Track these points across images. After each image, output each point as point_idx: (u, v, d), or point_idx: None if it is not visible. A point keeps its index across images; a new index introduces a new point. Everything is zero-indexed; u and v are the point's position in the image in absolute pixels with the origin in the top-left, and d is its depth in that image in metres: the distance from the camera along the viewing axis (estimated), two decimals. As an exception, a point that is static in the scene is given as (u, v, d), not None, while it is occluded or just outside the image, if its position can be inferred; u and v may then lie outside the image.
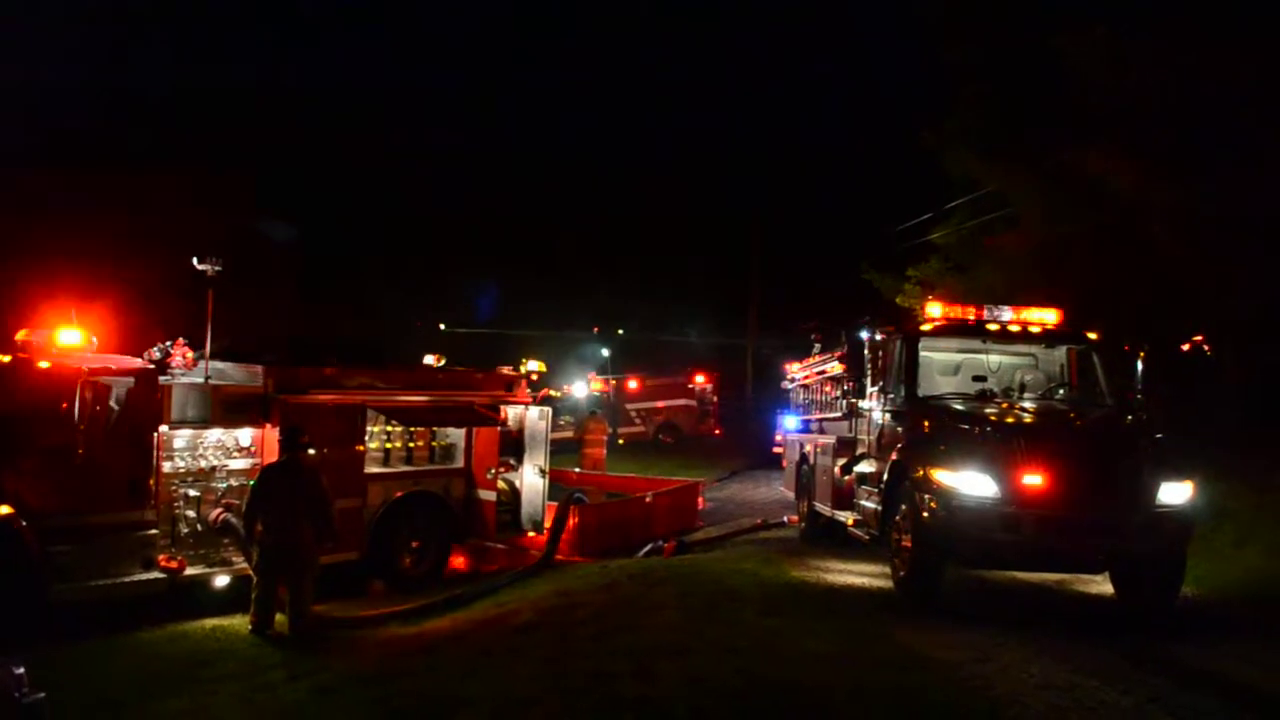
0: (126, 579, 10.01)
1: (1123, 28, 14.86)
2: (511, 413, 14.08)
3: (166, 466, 10.49)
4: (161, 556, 10.25)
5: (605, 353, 38.46)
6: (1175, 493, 9.22)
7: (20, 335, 10.41)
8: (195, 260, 11.19)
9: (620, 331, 44.26)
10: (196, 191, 30.29)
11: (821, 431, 15.23)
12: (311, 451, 10.42)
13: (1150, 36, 14.53)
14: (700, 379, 35.18)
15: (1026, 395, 10.84)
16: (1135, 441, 9.84)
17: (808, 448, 15.73)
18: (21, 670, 5.43)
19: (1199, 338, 14.42)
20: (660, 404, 34.47)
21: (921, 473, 9.61)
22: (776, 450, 28.63)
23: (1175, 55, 14.30)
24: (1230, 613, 10.05)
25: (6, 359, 10.19)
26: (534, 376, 14.65)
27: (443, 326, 40.98)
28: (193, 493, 10.67)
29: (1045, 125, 17.32)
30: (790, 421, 27.67)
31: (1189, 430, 12.09)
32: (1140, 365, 10.76)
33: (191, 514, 10.63)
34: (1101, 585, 10.61)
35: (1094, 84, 15.82)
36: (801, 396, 17.44)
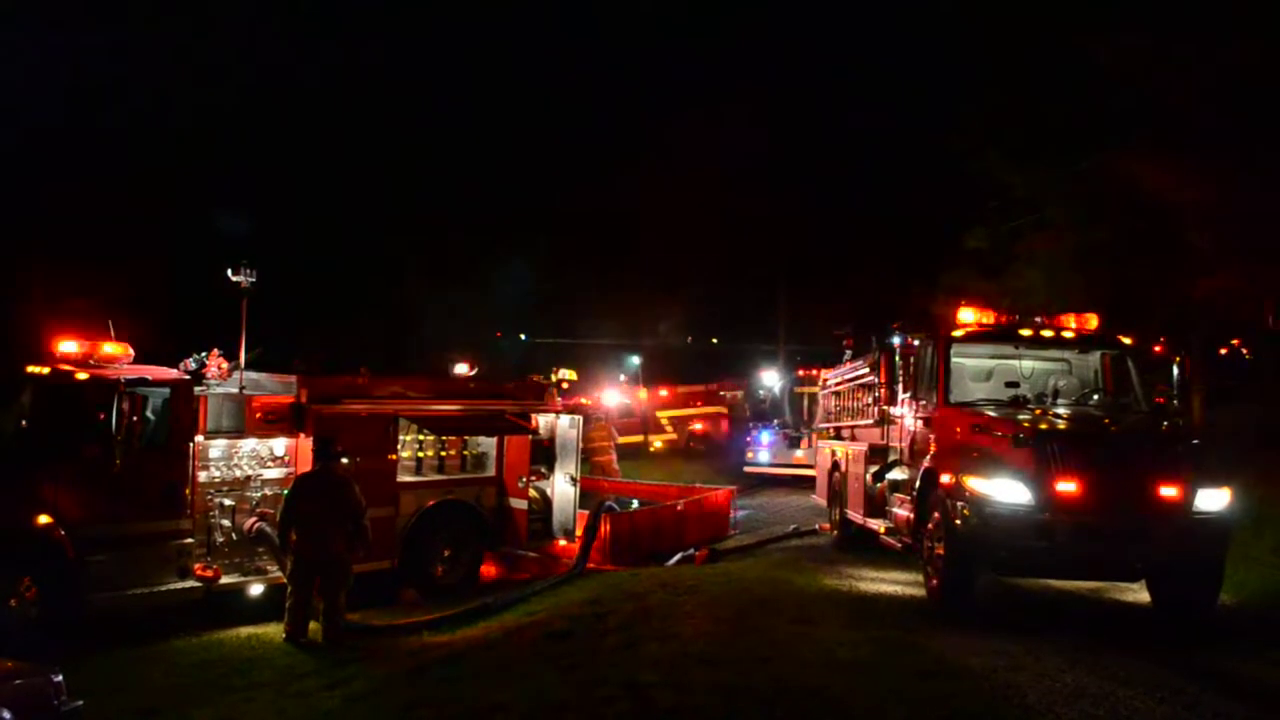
0: (163, 587, 10.14)
1: (1155, 28, 14.72)
2: (543, 421, 14.13)
3: (202, 476, 10.63)
4: (197, 565, 10.38)
5: (635, 361, 38.42)
6: (1213, 499, 9.09)
7: (58, 347, 10.57)
8: (230, 272, 11.33)
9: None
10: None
11: (853, 439, 15.16)
12: (345, 461, 10.51)
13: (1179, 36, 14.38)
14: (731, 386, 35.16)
15: (1060, 401, 10.73)
16: (1171, 447, 9.70)
17: (839, 455, 15.65)
18: (60, 678, 5.53)
19: (1236, 341, 14.24)
20: (691, 411, 34.41)
21: (954, 479, 9.53)
22: (749, 470, 27.03)
23: (1211, 53, 14.14)
24: (1269, 620, 9.88)
25: (45, 370, 10.33)
26: (564, 385, 14.67)
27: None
28: (228, 502, 10.81)
29: (1076, 128, 17.18)
30: (765, 437, 26.65)
31: (1227, 434, 11.93)
32: (1176, 370, 10.64)
33: (226, 523, 10.77)
34: (1137, 593, 10.49)
35: (1125, 86, 15.69)
36: (833, 403, 17.31)
